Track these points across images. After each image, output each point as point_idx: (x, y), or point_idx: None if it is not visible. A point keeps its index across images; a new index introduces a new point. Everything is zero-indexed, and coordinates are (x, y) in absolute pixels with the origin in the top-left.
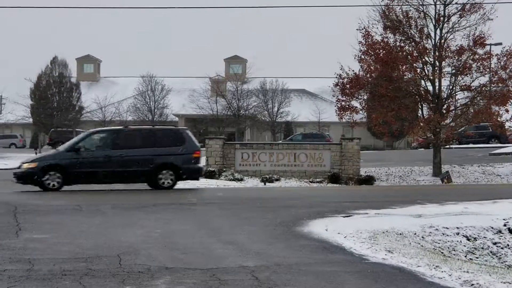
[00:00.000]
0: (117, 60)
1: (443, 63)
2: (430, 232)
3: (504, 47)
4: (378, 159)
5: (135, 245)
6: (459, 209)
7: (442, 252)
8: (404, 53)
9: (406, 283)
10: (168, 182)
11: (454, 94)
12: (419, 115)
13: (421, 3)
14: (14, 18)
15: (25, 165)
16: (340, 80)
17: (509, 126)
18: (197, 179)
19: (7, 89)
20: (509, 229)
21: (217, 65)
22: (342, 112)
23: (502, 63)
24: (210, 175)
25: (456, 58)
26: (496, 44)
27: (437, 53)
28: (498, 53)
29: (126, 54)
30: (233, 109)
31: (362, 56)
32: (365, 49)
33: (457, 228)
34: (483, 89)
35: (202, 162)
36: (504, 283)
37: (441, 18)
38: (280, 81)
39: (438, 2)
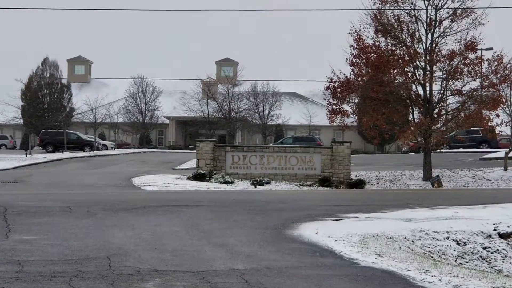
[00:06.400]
0: (108, 61)
1: (434, 68)
2: (420, 236)
3: (495, 52)
4: (368, 163)
5: (125, 247)
6: (449, 214)
7: (432, 257)
8: (396, 57)
9: (396, 287)
10: None
11: (445, 99)
12: (410, 119)
13: (412, 7)
14: (5, 19)
15: None
16: (331, 83)
17: (500, 131)
18: None
19: None
20: (499, 233)
21: (208, 68)
22: (333, 115)
23: (493, 68)
24: (201, 177)
25: (447, 62)
26: (487, 49)
27: (428, 58)
28: (489, 58)
29: (117, 56)
30: (224, 111)
31: (354, 60)
32: (357, 52)
33: (447, 232)
34: (474, 93)
35: (193, 164)
36: None
37: (433, 23)
38: (271, 84)
39: (429, 7)
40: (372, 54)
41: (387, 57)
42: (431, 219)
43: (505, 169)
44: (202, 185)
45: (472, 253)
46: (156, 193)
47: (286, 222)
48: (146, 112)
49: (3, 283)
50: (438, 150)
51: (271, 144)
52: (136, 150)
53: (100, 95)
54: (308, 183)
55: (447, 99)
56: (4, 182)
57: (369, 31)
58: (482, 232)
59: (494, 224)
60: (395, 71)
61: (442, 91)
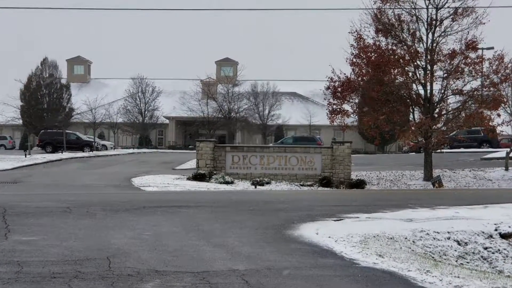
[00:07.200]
0: (107, 61)
1: (435, 67)
2: (421, 237)
3: (496, 51)
4: (369, 163)
5: (124, 247)
6: (450, 214)
7: (433, 257)
8: (396, 56)
9: (397, 287)
10: None
11: (446, 98)
12: (410, 119)
13: (413, 6)
14: (4, 19)
15: None
16: (332, 83)
17: (501, 131)
18: None
19: None
20: (500, 234)
21: (208, 68)
22: (333, 115)
23: (494, 67)
24: (201, 177)
25: (448, 62)
26: (488, 49)
27: (429, 57)
28: (490, 57)
29: (117, 55)
30: (224, 111)
31: (354, 60)
32: (357, 52)
33: (448, 232)
34: (474, 93)
35: (193, 165)
36: None
37: (433, 22)
38: (271, 84)
39: (430, 6)
40: (373, 54)
41: (388, 57)
42: (432, 219)
43: (506, 169)
44: (202, 186)
45: (473, 253)
46: (156, 194)
47: (286, 223)
48: (146, 112)
49: (2, 284)
50: (439, 150)
51: (271, 144)
52: (136, 150)
53: (100, 95)
54: (308, 183)
55: (448, 99)
56: (3, 182)
57: (369, 31)
58: (483, 232)
59: (495, 224)
60: (396, 70)
61: (442, 91)
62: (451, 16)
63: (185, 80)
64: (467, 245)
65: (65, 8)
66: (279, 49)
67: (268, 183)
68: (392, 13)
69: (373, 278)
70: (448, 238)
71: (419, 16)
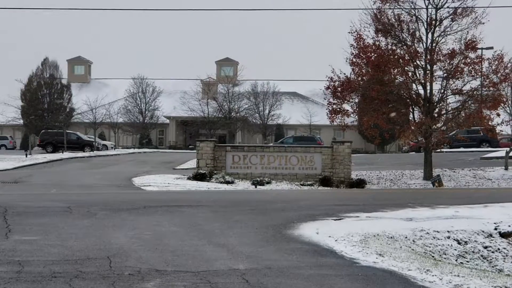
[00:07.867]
0: (108, 62)
1: (435, 67)
2: (421, 236)
3: (495, 51)
4: (369, 163)
5: (125, 247)
6: (450, 213)
7: (433, 256)
8: (396, 56)
9: (397, 286)
10: None
11: (446, 98)
12: (410, 118)
13: (413, 6)
14: (4, 19)
15: None
16: (332, 83)
17: (500, 130)
18: None
19: None
20: (500, 233)
21: (208, 68)
22: (333, 115)
23: (493, 67)
24: (201, 177)
25: (448, 61)
26: (487, 48)
27: (428, 57)
28: (489, 57)
29: (117, 56)
30: (224, 111)
31: (354, 59)
32: (357, 52)
33: (448, 231)
34: (474, 93)
35: (193, 164)
36: (494, 287)
37: (433, 22)
38: (271, 83)
39: (430, 6)
40: (373, 54)
41: (387, 57)
42: (431, 218)
43: (506, 168)
44: (202, 185)
45: (473, 252)
46: (157, 193)
47: (286, 222)
48: (146, 112)
49: (3, 284)
50: (439, 150)
51: (271, 144)
52: (136, 150)
53: (100, 95)
54: (308, 182)
55: (448, 99)
56: (4, 182)
57: (369, 31)
58: (483, 232)
59: (495, 223)
60: (396, 70)
61: (442, 91)
62: (451, 16)
63: (186, 80)
64: (467, 244)
65: (66, 8)
66: (279, 48)
67: (268, 182)
68: (392, 13)
69: (373, 277)
70: (448, 237)
71: (419, 16)
